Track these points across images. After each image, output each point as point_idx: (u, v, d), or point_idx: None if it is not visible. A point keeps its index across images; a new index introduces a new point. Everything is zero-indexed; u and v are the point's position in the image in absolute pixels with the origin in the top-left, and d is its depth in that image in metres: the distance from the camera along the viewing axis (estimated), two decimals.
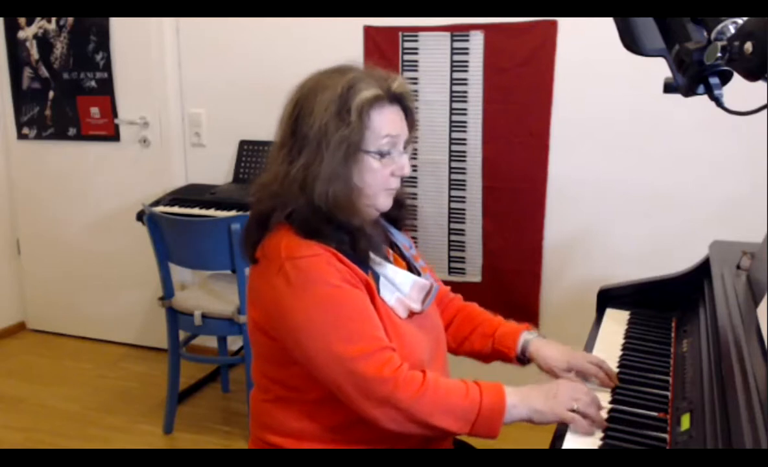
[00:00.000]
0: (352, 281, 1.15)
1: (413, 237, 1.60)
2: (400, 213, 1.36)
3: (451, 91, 2.69)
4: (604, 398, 1.24)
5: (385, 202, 1.25)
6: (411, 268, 1.33)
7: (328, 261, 1.13)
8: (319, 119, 1.15)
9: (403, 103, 1.24)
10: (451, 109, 2.70)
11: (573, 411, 1.12)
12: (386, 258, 1.26)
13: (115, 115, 3.19)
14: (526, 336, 1.37)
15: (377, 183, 1.21)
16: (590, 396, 1.15)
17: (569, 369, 1.31)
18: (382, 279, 1.21)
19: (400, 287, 1.23)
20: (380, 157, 1.20)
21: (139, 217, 2.70)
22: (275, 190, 1.18)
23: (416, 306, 1.25)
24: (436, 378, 1.13)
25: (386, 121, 1.19)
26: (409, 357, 1.18)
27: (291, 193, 1.16)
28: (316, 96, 1.17)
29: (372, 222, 1.26)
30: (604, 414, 1.17)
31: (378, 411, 1.11)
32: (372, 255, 1.20)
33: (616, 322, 1.57)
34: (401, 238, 1.37)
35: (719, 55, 0.91)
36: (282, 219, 1.18)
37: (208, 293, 2.64)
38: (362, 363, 1.09)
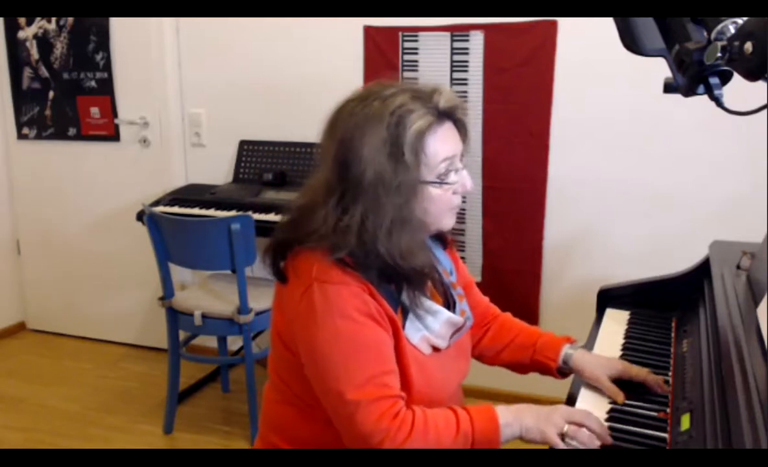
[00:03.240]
0: (377, 317, 1.10)
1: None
2: (448, 233, 1.30)
3: None
4: (604, 397, 1.24)
5: (449, 222, 1.20)
6: (448, 298, 1.28)
7: (355, 293, 1.08)
8: (372, 165, 1.07)
9: (454, 116, 1.16)
10: None
11: (563, 434, 1.08)
12: (423, 294, 1.20)
13: (115, 115, 3.19)
14: (569, 350, 1.34)
15: (440, 209, 1.16)
16: (582, 415, 1.10)
17: (621, 375, 1.26)
18: (410, 317, 1.16)
19: (430, 325, 1.18)
20: (441, 182, 1.14)
21: (139, 217, 2.70)
22: (322, 234, 1.10)
23: (442, 344, 1.21)
24: (424, 417, 1.08)
25: (442, 145, 1.13)
26: (433, 395, 1.16)
27: (344, 240, 1.09)
28: (363, 136, 1.08)
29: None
30: (603, 415, 1.17)
31: None
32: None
33: (616, 322, 1.57)
34: (445, 262, 1.32)
35: (719, 55, 0.91)
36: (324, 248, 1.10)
37: (208, 293, 2.64)
38: (362, 412, 1.05)
